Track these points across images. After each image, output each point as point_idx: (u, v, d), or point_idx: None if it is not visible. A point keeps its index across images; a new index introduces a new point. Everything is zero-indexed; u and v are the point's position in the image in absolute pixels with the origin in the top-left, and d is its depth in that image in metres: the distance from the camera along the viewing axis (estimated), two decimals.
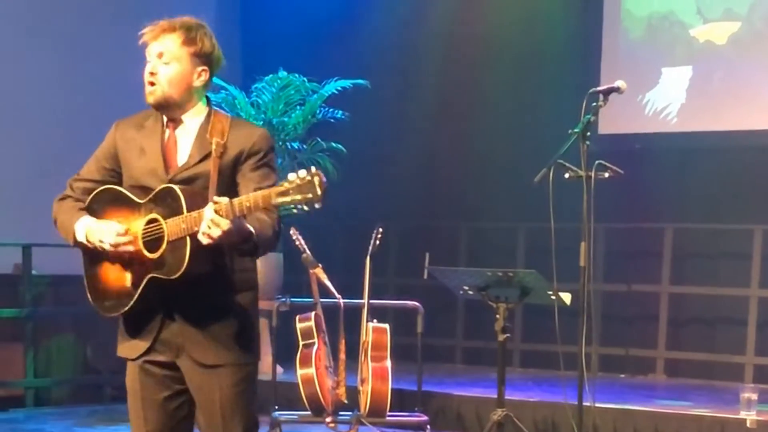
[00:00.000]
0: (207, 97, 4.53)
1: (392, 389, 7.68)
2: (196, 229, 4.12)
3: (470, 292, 6.42)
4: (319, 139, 9.69)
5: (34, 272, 9.51)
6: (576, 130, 6.00)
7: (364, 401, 7.63)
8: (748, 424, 7.28)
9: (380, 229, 7.90)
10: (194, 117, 4.47)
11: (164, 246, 4.23)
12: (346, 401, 7.68)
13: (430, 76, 11.28)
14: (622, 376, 10.08)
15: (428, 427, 7.80)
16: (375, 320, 7.83)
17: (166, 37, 4.41)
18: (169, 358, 4.39)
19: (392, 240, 10.83)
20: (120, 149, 4.51)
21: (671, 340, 10.18)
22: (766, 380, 9.22)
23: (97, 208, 4.45)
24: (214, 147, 4.34)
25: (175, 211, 4.22)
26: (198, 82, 4.45)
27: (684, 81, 10.37)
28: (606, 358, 10.25)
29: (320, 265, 7.65)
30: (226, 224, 4.06)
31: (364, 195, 10.66)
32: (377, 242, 7.87)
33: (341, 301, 7.80)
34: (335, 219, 10.03)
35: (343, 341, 7.73)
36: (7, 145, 10.05)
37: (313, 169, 3.97)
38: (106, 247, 4.32)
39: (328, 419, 7.63)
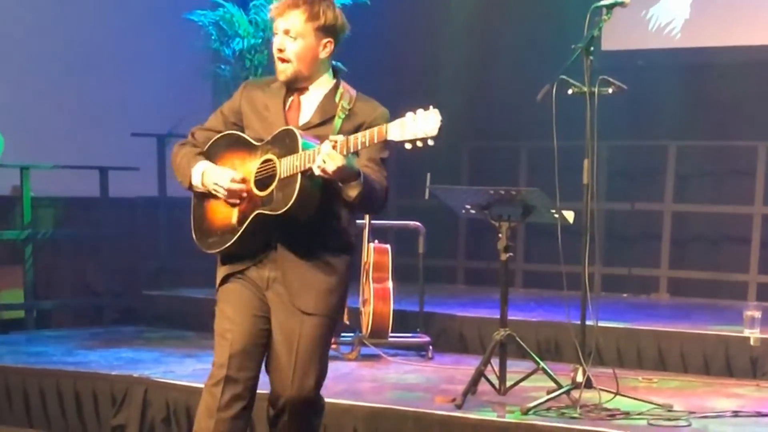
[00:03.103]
0: (334, 69, 4.75)
1: (394, 310, 7.67)
2: (308, 165, 4.33)
3: (472, 211, 6.37)
4: None
5: (32, 194, 9.46)
6: (580, 45, 5.92)
7: (366, 322, 7.62)
8: (751, 342, 7.27)
9: None
10: (321, 86, 4.70)
11: (275, 183, 4.45)
12: (347, 323, 7.66)
13: None
14: (625, 295, 10.07)
15: (430, 348, 7.79)
16: (376, 241, 7.80)
17: (290, 14, 4.62)
18: (261, 286, 4.60)
19: (393, 160, 10.73)
20: (244, 107, 4.72)
21: (674, 259, 10.16)
22: None
23: (215, 151, 4.67)
24: (339, 108, 4.58)
25: (291, 151, 4.43)
26: (324, 54, 4.67)
27: None
28: (609, 277, 10.25)
29: None
30: (340, 159, 4.29)
31: None
32: None
33: None
34: None
35: None
36: (4, 66, 9.95)
37: (431, 107, 4.34)
38: (220, 191, 4.55)
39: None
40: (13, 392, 7.25)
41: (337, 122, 4.57)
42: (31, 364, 7.49)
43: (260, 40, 9.53)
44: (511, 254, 6.21)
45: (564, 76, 5.93)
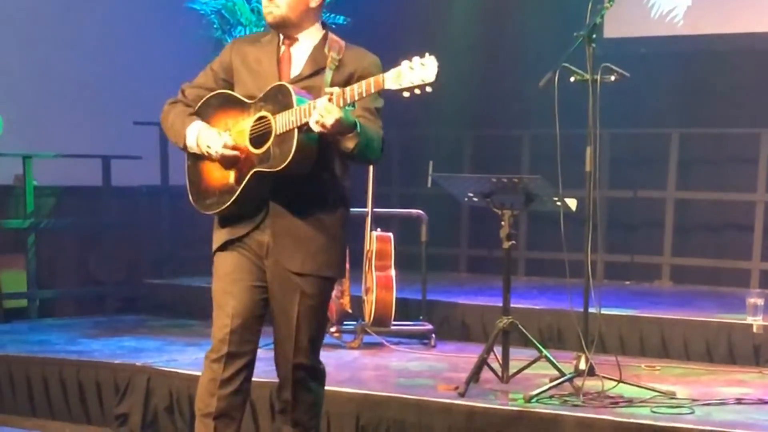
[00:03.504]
0: (324, 22, 4.71)
1: (397, 298, 7.66)
2: (305, 120, 4.30)
3: (475, 199, 6.36)
4: None
5: (35, 183, 9.46)
6: (582, 32, 5.91)
7: (369, 311, 7.62)
8: (754, 330, 7.27)
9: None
10: (310, 37, 4.65)
11: (271, 140, 4.41)
12: (350, 311, 7.67)
13: None
14: (628, 283, 10.06)
15: (433, 336, 7.79)
16: (379, 229, 7.79)
17: None
18: (260, 254, 4.58)
19: (396, 148, 10.77)
20: (235, 63, 4.69)
21: (677, 247, 10.15)
22: None
23: (207, 111, 4.64)
24: (329, 60, 4.52)
25: (286, 106, 4.40)
26: (314, 2, 4.62)
27: None
28: (611, 265, 10.25)
29: None
30: (337, 112, 4.26)
31: None
32: None
33: None
34: None
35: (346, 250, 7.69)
36: (6, 55, 9.94)
37: (427, 54, 4.28)
38: (213, 153, 4.51)
39: (333, 329, 7.62)
40: (17, 381, 7.26)
41: (328, 74, 4.52)
42: (34, 353, 7.49)
43: (262, 29, 9.51)
44: (513, 242, 6.21)
45: (566, 64, 5.91)
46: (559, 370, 6.06)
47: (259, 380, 6.11)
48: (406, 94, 4.28)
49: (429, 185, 7.36)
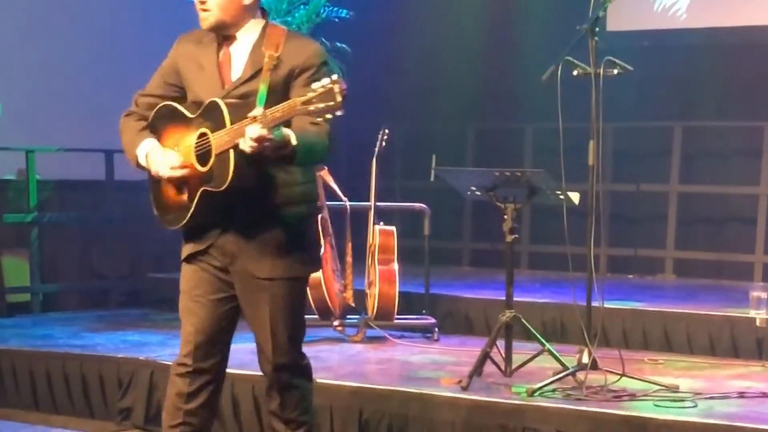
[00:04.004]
0: (263, 10, 4.62)
1: (399, 292, 7.67)
2: (237, 140, 4.22)
3: (477, 193, 6.36)
4: (323, 39, 9.56)
5: (38, 177, 9.46)
6: (585, 26, 5.91)
7: (372, 304, 7.62)
8: (757, 323, 7.27)
9: (386, 130, 7.82)
10: (248, 33, 4.57)
11: (212, 159, 4.36)
12: (353, 304, 7.67)
13: None
14: (631, 276, 10.06)
15: (436, 329, 7.79)
16: (382, 223, 7.79)
17: None
18: (223, 264, 4.58)
19: (398, 142, 10.76)
20: (180, 65, 4.65)
21: (680, 240, 10.15)
22: None
23: (158, 124, 4.61)
24: (266, 60, 4.42)
25: (220, 125, 4.32)
26: (248, 0, 4.52)
27: None
28: (614, 258, 10.25)
29: (326, 167, 7.57)
30: (266, 134, 4.16)
31: (369, 96, 10.55)
32: (383, 143, 7.80)
33: (347, 203, 7.75)
34: (340, 120, 9.93)
35: (349, 244, 7.70)
36: (9, 50, 9.94)
37: (334, 76, 4.08)
38: (162, 176, 4.49)
39: (336, 323, 7.63)
40: (20, 375, 7.26)
41: (263, 86, 4.41)
42: (38, 347, 7.50)
43: None
44: (516, 236, 6.21)
45: (569, 58, 5.91)
46: (562, 363, 6.06)
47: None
48: (320, 119, 4.21)
49: (432, 179, 7.35)
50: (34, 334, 8.12)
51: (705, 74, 10.03)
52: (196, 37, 4.66)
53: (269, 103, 4.30)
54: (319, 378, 5.41)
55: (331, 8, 9.71)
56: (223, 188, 4.34)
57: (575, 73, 5.97)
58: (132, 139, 4.62)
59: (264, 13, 4.64)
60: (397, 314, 7.68)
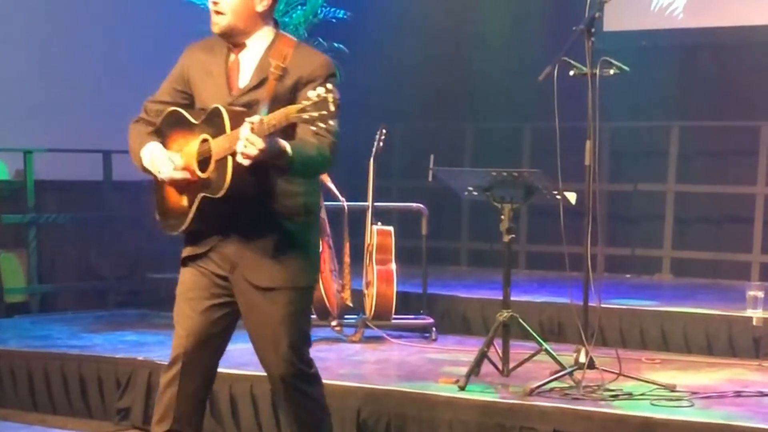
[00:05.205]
0: (275, 21, 4.64)
1: (397, 292, 7.68)
2: (234, 147, 4.23)
3: (475, 193, 6.37)
4: (320, 39, 9.58)
5: (35, 178, 9.46)
6: (581, 26, 5.92)
7: (370, 304, 7.63)
8: (754, 322, 7.29)
9: (383, 131, 7.83)
10: (259, 41, 4.59)
11: (212, 165, 4.37)
12: (351, 304, 7.68)
13: None
14: (628, 276, 10.07)
15: (434, 329, 7.80)
16: (379, 223, 7.80)
17: None
18: (224, 272, 4.57)
19: (396, 142, 10.77)
20: (189, 72, 4.65)
21: (677, 240, 10.16)
22: None
23: (165, 130, 4.63)
24: (272, 69, 4.44)
25: (221, 131, 4.35)
26: (261, 7, 4.56)
27: None
28: (612, 258, 10.26)
29: None
30: (260, 143, 4.16)
31: (366, 96, 10.56)
32: (380, 144, 7.81)
33: (345, 203, 7.76)
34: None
35: (347, 244, 7.71)
36: (6, 50, 9.94)
37: (328, 86, 4.10)
38: (164, 178, 4.50)
39: (334, 323, 7.64)
40: (18, 376, 7.27)
41: (272, 84, 4.45)
42: (36, 347, 7.51)
43: None
44: (513, 236, 6.22)
45: (566, 58, 5.92)
46: (559, 363, 6.07)
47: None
48: (313, 128, 4.25)
49: (430, 179, 7.36)
50: (33, 334, 8.12)
51: (701, 74, 10.04)
52: (207, 46, 4.68)
53: (272, 113, 4.29)
54: None
55: (328, 9, 9.71)
56: (220, 194, 4.35)
57: (572, 73, 5.98)
58: (138, 142, 4.64)
59: (276, 24, 4.66)
60: (395, 314, 7.69)
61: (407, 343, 7.60)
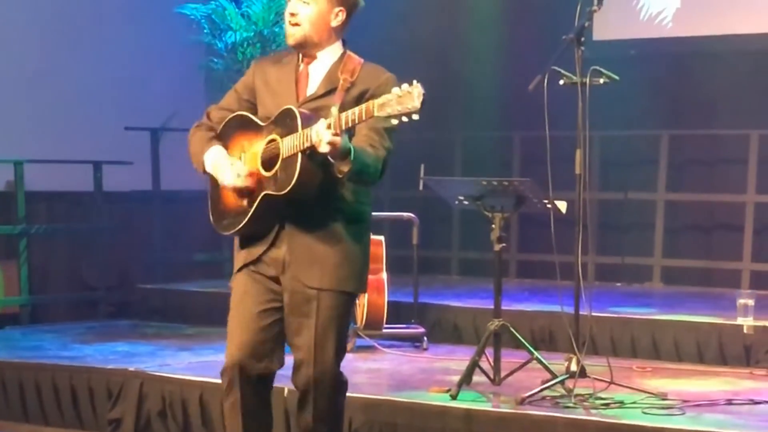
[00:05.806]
0: (344, 40, 4.81)
1: (388, 301, 7.68)
2: (307, 144, 4.37)
3: (465, 202, 6.38)
4: None
5: (26, 189, 9.45)
6: (571, 35, 5.93)
7: (361, 314, 7.63)
8: (745, 330, 7.30)
9: None
10: (329, 55, 4.76)
11: (279, 164, 4.49)
12: None
13: None
14: (619, 284, 10.08)
15: (425, 338, 7.80)
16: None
17: None
18: (276, 273, 4.64)
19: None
20: (256, 82, 4.79)
21: (668, 248, 10.17)
22: (762, 286, 9.20)
23: (227, 132, 4.74)
24: (341, 81, 4.60)
25: (292, 130, 4.47)
26: (335, 22, 4.75)
27: None
28: (602, 266, 10.27)
29: None
30: (335, 137, 4.30)
31: None
32: None
33: None
34: None
35: None
36: None
37: (414, 81, 4.25)
38: (226, 184, 4.61)
39: None
40: (9, 387, 7.26)
41: (340, 94, 4.60)
42: (27, 358, 7.49)
43: (252, 33, 9.54)
44: (504, 245, 6.22)
45: (555, 67, 5.93)
46: (550, 372, 6.07)
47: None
48: (394, 121, 4.30)
49: (420, 188, 7.37)
50: (24, 345, 8.11)
51: (691, 82, 10.06)
52: (276, 59, 4.86)
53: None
54: None
55: None
56: (285, 191, 4.46)
57: (562, 82, 5.99)
58: (201, 147, 4.74)
59: (345, 44, 4.82)
60: (386, 323, 7.69)
61: (398, 353, 7.60)
